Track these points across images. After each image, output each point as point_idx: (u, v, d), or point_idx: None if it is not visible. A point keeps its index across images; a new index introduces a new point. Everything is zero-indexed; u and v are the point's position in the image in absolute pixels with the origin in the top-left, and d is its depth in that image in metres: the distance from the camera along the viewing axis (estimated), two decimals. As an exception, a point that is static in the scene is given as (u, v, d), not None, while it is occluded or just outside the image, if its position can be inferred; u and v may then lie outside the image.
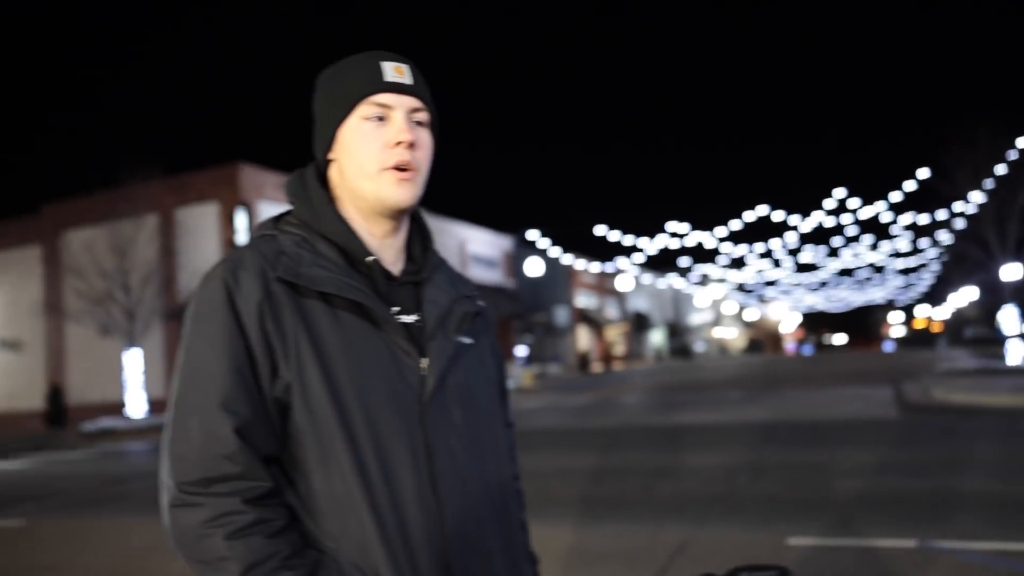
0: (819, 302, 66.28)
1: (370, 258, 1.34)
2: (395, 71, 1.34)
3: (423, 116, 1.37)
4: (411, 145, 1.33)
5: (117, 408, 25.42)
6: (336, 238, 1.34)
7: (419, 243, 1.46)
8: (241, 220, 24.82)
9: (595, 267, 44.98)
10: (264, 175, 26.32)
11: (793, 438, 11.28)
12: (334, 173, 1.38)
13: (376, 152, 1.32)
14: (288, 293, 1.27)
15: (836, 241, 39.69)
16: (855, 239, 39.32)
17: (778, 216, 32.32)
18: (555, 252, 38.57)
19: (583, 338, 52.35)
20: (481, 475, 1.34)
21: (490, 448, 1.39)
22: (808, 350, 73.31)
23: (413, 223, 1.47)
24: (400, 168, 1.33)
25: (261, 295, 1.26)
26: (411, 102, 1.35)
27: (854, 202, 31.30)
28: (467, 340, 1.42)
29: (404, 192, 1.34)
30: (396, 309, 1.34)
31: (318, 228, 1.35)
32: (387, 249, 1.39)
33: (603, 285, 55.79)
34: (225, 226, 25.47)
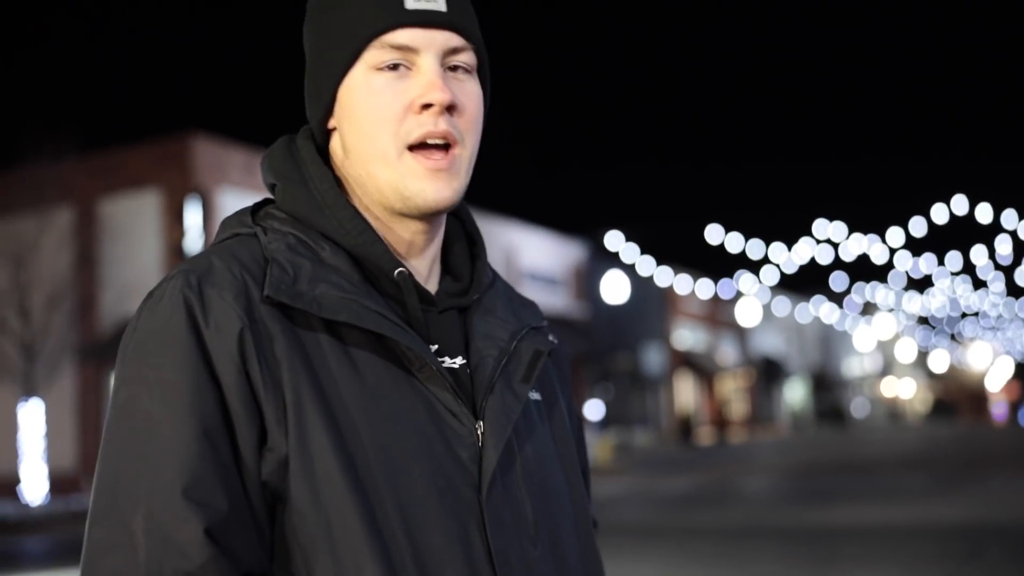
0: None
1: (400, 270, 1.31)
2: None
3: (466, 59, 1.34)
4: (449, 108, 1.30)
5: (7, 487, 25.88)
6: (348, 240, 1.31)
7: (462, 249, 1.45)
8: (194, 215, 25.22)
9: (705, 288, 44.74)
10: (227, 152, 26.77)
11: (1011, 552, 11.00)
12: (336, 148, 1.38)
13: (394, 120, 1.29)
14: (281, 321, 1.24)
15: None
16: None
17: (983, 214, 31.79)
18: (646, 266, 38.50)
19: (685, 392, 52.07)
20: None
21: (574, 557, 1.38)
22: (1002, 411, 72.01)
23: (452, 219, 1.46)
24: (432, 145, 1.30)
25: (241, 323, 1.22)
26: (446, 39, 1.31)
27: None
28: (536, 395, 1.42)
29: (438, 186, 1.30)
30: (436, 347, 1.32)
31: (319, 225, 1.32)
32: (418, 258, 1.37)
33: (716, 315, 55.50)
34: (171, 224, 25.92)
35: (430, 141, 1.29)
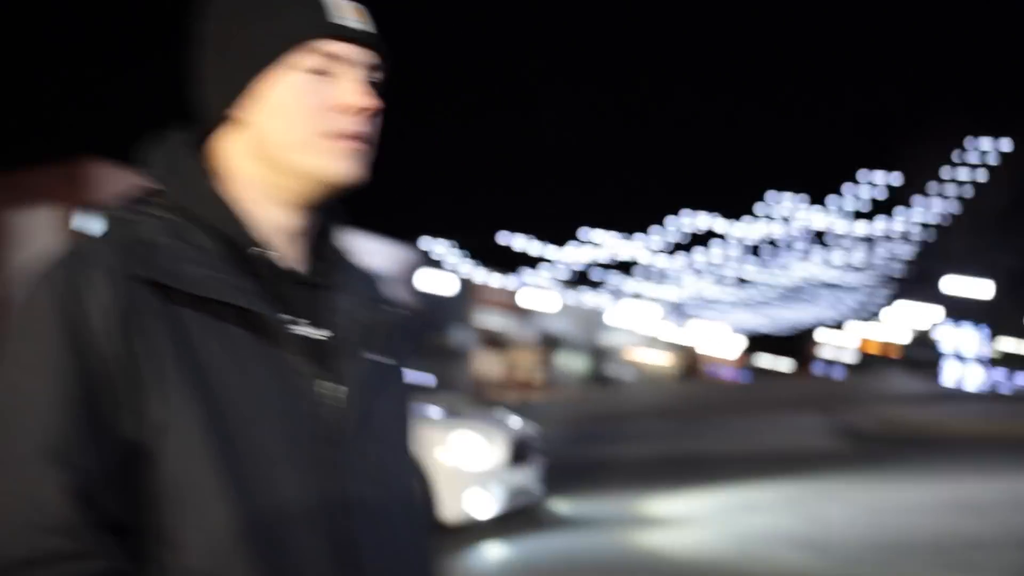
0: (761, 322, 69.43)
1: (255, 249, 1.26)
2: (352, 11, 1.27)
3: (378, 77, 1.31)
4: (371, 116, 1.28)
5: None
6: (217, 222, 1.25)
7: (327, 234, 1.40)
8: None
9: (503, 281, 46.49)
10: (121, 174, 25.59)
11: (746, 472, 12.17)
12: (233, 141, 1.29)
13: (320, 116, 1.24)
14: (158, 300, 1.17)
15: (777, 252, 42.66)
16: (803, 250, 42.41)
17: (701, 222, 34.57)
18: (465, 266, 39.94)
19: (487, 363, 53.24)
20: (399, 529, 1.31)
21: (404, 494, 1.37)
22: (730, 374, 76.76)
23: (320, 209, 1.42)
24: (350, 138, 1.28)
25: (112, 300, 1.14)
26: (370, 57, 1.28)
27: (800, 209, 33.71)
28: (389, 360, 1.39)
29: (355, 164, 1.27)
30: (289, 317, 1.25)
31: (189, 208, 1.26)
32: (288, 240, 1.31)
33: (512, 303, 57.02)
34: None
35: (352, 136, 1.26)
